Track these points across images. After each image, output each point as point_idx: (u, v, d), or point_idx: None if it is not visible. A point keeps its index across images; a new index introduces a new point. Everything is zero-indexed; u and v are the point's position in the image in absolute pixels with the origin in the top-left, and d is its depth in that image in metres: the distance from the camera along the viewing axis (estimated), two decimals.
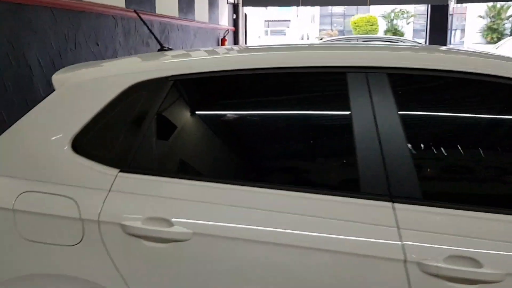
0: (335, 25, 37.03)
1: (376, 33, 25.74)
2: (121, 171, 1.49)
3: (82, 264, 1.47)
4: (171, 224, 1.42)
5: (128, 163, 1.50)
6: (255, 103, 1.60)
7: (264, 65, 1.53)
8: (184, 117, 1.62)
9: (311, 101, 1.58)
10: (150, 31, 2.13)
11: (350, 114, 1.44)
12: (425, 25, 10.66)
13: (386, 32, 27.26)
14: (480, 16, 25.24)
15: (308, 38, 30.51)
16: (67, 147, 1.53)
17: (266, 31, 31.84)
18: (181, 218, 1.42)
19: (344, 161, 1.49)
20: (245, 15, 10.72)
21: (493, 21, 25.37)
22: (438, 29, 10.31)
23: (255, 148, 1.56)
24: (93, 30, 4.12)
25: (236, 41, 9.99)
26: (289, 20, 32.56)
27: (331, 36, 25.90)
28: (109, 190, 1.47)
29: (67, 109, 1.58)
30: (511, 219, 1.33)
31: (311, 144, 1.52)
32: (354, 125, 1.42)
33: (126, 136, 1.54)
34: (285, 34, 32.18)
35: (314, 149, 1.51)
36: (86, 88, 1.59)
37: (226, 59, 1.64)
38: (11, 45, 3.02)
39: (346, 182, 1.46)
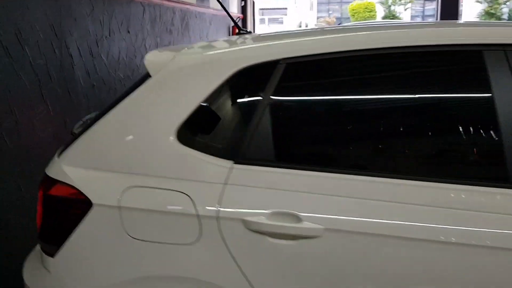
0: (330, 12, 36.75)
1: (374, 20, 25.59)
2: (236, 162, 1.38)
3: (200, 264, 1.37)
4: (299, 219, 1.31)
5: (242, 154, 1.39)
6: (379, 86, 1.49)
7: (389, 44, 1.42)
8: (300, 103, 1.50)
9: (443, 83, 1.47)
10: (229, 15, 2.01)
11: (491, 96, 1.33)
12: (436, 9, 10.54)
13: (384, 18, 27.09)
14: (478, 1, 25.13)
15: (306, 26, 30.27)
16: (172, 138, 1.41)
17: (263, 19, 31.49)
18: (311, 213, 1.32)
19: (489, 148, 1.38)
20: (253, 2, 10.53)
21: (491, 6, 25.26)
22: (449, 13, 10.23)
23: (384, 135, 1.45)
24: (125, 17, 3.97)
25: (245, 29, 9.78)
26: (286, 8, 32.24)
27: (329, 23, 25.67)
28: (225, 184, 1.36)
29: (169, 96, 1.46)
30: None
31: (450, 131, 1.42)
32: (497, 109, 1.31)
33: (237, 125, 1.43)
34: (282, 22, 31.88)
35: (454, 137, 1.40)
36: (189, 74, 1.47)
37: (344, 39, 1.52)
38: (54, 33, 2.87)
39: (493, 172, 1.36)
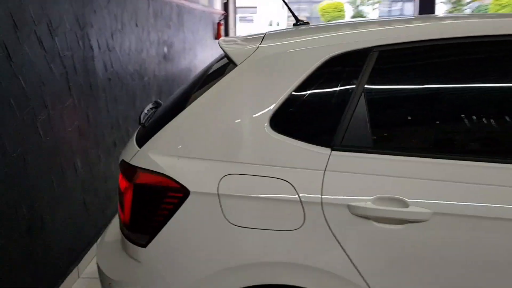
0: (299, 12, 37.07)
1: (343, 19, 26.03)
2: (333, 149, 1.38)
3: (305, 249, 1.37)
4: (406, 204, 1.33)
5: (338, 141, 1.39)
6: (474, 73, 1.52)
7: (480, 33, 1.45)
8: (394, 90, 1.52)
9: None
10: (287, 5, 2.01)
11: None
12: (414, 9, 10.85)
13: (352, 18, 27.59)
14: (442, 2, 25.96)
15: (278, 25, 30.37)
16: (266, 126, 1.41)
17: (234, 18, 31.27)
18: (417, 198, 1.34)
19: None
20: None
21: (454, 7, 26.16)
22: (426, 13, 10.58)
23: (482, 120, 1.48)
24: (134, 11, 3.90)
25: (227, 26, 9.77)
26: (255, 7, 32.27)
27: None
28: (325, 170, 1.36)
29: (260, 85, 1.46)
30: None
31: None
32: None
33: (331, 112, 1.44)
34: (252, 21, 31.90)
35: None
36: (278, 62, 1.47)
37: (439, 26, 1.54)
38: (78, 24, 2.79)
39: None
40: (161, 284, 1.44)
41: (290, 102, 1.46)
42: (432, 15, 1.93)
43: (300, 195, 1.38)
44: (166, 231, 1.43)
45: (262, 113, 1.45)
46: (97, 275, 1.66)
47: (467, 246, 1.36)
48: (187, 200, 1.41)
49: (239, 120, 1.46)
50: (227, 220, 1.40)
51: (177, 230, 1.42)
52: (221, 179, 1.41)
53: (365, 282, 1.39)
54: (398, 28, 1.56)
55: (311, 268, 1.40)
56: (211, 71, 1.78)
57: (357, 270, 1.38)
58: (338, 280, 1.40)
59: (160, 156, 1.47)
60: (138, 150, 1.53)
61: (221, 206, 1.40)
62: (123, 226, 1.52)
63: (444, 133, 1.51)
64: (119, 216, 1.62)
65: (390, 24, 1.60)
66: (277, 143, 1.43)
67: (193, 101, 1.54)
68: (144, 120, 1.74)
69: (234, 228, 1.40)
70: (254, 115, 1.45)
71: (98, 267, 1.62)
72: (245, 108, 1.47)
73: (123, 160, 1.58)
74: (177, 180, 1.42)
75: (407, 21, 1.71)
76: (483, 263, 1.36)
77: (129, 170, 1.50)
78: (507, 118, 1.48)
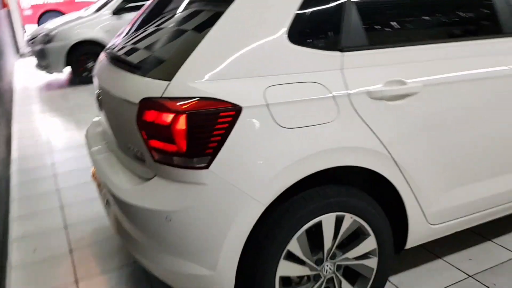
0: None
1: None
2: (343, 51, 1.68)
3: (343, 134, 1.65)
4: (405, 83, 1.72)
5: (346, 44, 1.72)
6: None
7: None
8: None
9: None
10: None
11: None
12: None
13: None
14: None
15: None
16: (287, 41, 1.62)
17: None
18: (411, 78, 1.76)
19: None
20: None
21: None
22: None
23: (435, 12, 1.96)
24: None
25: None
26: None
27: None
28: (342, 69, 1.66)
29: (271, 6, 1.64)
30: None
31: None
32: None
33: (334, 23, 1.71)
34: None
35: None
36: None
37: None
38: None
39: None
40: (233, 193, 1.57)
41: (298, 19, 1.66)
42: None
43: (332, 92, 1.64)
44: (227, 148, 1.56)
45: (281, 31, 1.65)
46: None
47: (453, 107, 1.85)
48: (241, 115, 1.55)
49: (264, 40, 1.64)
50: (279, 125, 1.58)
51: (237, 144, 1.56)
52: (265, 91, 1.57)
53: (387, 150, 1.75)
54: None
55: (350, 148, 1.69)
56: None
57: (381, 142, 1.73)
58: (370, 153, 1.73)
59: (200, 82, 1.55)
60: (169, 83, 1.56)
61: (271, 114, 1.57)
62: (174, 157, 1.58)
63: (424, 25, 1.94)
64: (152, 153, 1.63)
65: None
66: (298, 53, 1.65)
67: (204, 27, 1.68)
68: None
69: (287, 130, 1.59)
70: (275, 34, 1.65)
71: (141, 208, 1.64)
72: (265, 28, 1.65)
73: (149, 98, 1.58)
74: (228, 100, 1.53)
75: None
76: (466, 117, 1.89)
77: (168, 104, 1.53)
78: (464, 9, 2.01)
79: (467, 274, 2.18)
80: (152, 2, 2.35)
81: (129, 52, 1.99)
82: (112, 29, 6.93)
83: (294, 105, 1.63)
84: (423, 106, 1.81)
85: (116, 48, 2.15)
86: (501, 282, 2.12)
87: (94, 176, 2.21)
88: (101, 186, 2.08)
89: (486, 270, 2.21)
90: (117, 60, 1.98)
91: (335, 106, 1.68)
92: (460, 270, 2.22)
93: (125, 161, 1.92)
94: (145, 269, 2.32)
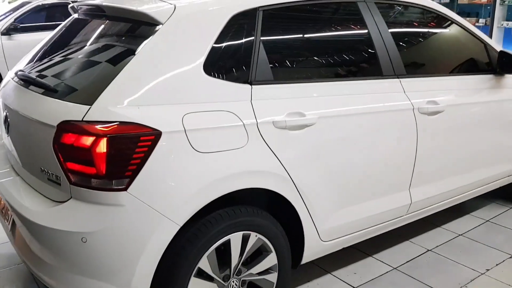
0: None
1: None
2: (252, 84, 1.92)
3: (252, 159, 1.86)
4: (304, 114, 2.00)
5: (254, 78, 1.95)
6: (326, 26, 2.39)
7: None
8: (284, 39, 2.19)
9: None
10: None
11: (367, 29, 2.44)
12: None
13: None
14: None
15: None
16: (203, 72, 1.82)
17: None
18: (309, 110, 2.04)
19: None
20: None
21: None
22: None
23: (336, 55, 2.38)
24: None
25: None
26: None
27: None
28: (251, 100, 1.90)
29: (188, 40, 1.87)
30: None
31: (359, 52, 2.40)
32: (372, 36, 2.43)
33: (244, 58, 1.96)
34: None
35: (362, 55, 2.39)
36: (197, 20, 1.87)
37: None
38: None
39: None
40: (149, 214, 1.66)
41: (213, 53, 1.86)
42: None
43: (243, 120, 1.84)
44: (145, 170, 1.66)
45: (197, 63, 1.82)
46: None
47: (342, 136, 2.18)
48: (160, 140, 1.67)
49: (182, 70, 1.81)
50: (195, 149, 1.74)
51: (155, 167, 1.68)
52: (183, 118, 1.72)
53: (288, 174, 1.98)
54: None
55: (257, 172, 1.89)
56: (115, 28, 1.97)
57: (283, 166, 1.96)
58: (274, 176, 1.95)
59: (121, 107, 1.65)
60: (90, 107, 1.64)
61: (188, 139, 1.73)
62: (93, 179, 1.63)
63: (321, 65, 2.30)
64: (69, 175, 1.67)
65: None
66: (213, 84, 1.84)
67: (126, 54, 1.83)
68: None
69: (202, 155, 1.75)
70: (192, 65, 1.83)
71: (56, 230, 1.67)
72: (184, 59, 1.83)
73: (68, 121, 1.64)
74: (149, 125, 1.65)
75: None
76: (352, 145, 2.23)
77: (88, 127, 1.61)
78: (356, 53, 2.44)
79: (352, 286, 2.48)
80: (65, 25, 2.37)
81: (44, 75, 2.01)
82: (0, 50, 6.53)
83: (209, 131, 1.79)
84: (318, 136, 2.09)
85: (28, 70, 2.14)
86: None
87: None
88: (5, 210, 2.03)
89: (368, 282, 2.53)
90: (30, 83, 1.98)
91: (245, 134, 1.88)
92: (347, 283, 2.51)
93: (36, 184, 1.90)
94: None
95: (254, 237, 1.97)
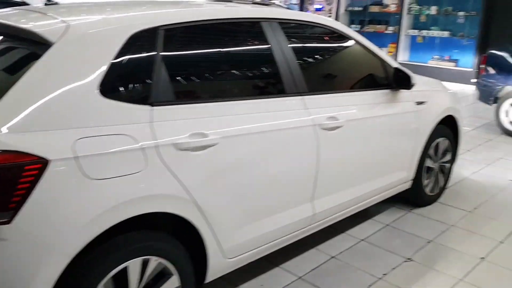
0: None
1: None
2: (153, 105, 1.90)
3: (152, 183, 1.84)
4: (206, 135, 2.01)
5: (155, 99, 1.93)
6: (230, 46, 2.42)
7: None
8: (183, 57, 2.16)
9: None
10: None
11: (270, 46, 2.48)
12: None
13: None
14: None
15: None
16: (98, 95, 1.77)
17: None
18: (211, 130, 2.05)
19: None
20: None
21: None
22: None
23: (240, 74, 2.42)
24: None
25: None
26: None
27: None
28: (150, 122, 1.88)
29: (83, 60, 1.81)
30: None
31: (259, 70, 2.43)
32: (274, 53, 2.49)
33: (144, 78, 1.93)
34: None
35: (260, 73, 2.42)
36: (93, 39, 1.83)
37: (204, 11, 2.30)
38: None
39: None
40: (37, 246, 1.57)
41: (110, 73, 1.81)
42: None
43: (140, 143, 1.81)
44: (32, 201, 1.57)
45: (92, 85, 1.76)
46: None
47: (244, 155, 2.20)
48: (48, 168, 1.58)
49: (75, 92, 1.74)
50: (88, 176, 1.67)
51: (43, 197, 1.59)
52: (74, 143, 1.65)
53: (191, 196, 1.98)
54: (177, 11, 2.11)
55: (157, 196, 1.86)
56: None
57: (185, 188, 1.95)
58: (175, 199, 1.93)
59: (3, 135, 1.54)
60: None
61: (80, 166, 1.66)
62: None
63: (223, 85, 2.32)
64: None
65: (169, 7, 2.13)
66: (109, 107, 1.78)
67: (11, 74, 1.67)
68: None
69: (96, 182, 1.69)
70: (86, 87, 1.77)
71: None
72: (77, 81, 1.75)
73: None
74: (34, 153, 1.56)
75: (183, 4, 2.30)
76: (254, 164, 2.26)
77: None
78: (259, 72, 2.48)
79: None
80: None
81: None
82: None
83: (103, 157, 1.73)
84: (221, 155, 2.10)
85: None
86: None
87: None
88: None
89: None
90: None
91: (143, 157, 1.84)
92: None
93: None
94: None
95: (154, 261, 1.94)
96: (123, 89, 1.88)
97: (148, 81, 1.94)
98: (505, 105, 5.96)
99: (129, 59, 1.91)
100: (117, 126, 1.80)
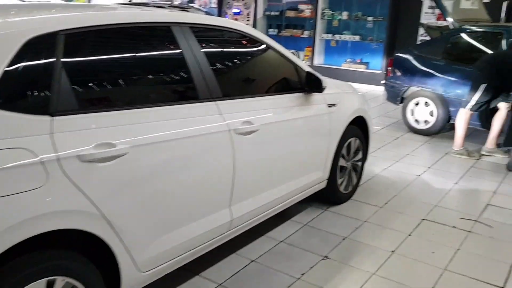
0: None
1: None
2: (53, 115, 1.79)
3: (54, 198, 1.73)
4: (114, 145, 1.93)
5: (56, 108, 1.82)
6: (139, 51, 2.33)
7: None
8: (87, 63, 2.05)
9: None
10: None
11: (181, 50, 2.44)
12: None
13: None
14: None
15: None
16: None
17: None
18: (119, 139, 1.97)
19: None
20: None
21: None
22: None
23: (150, 81, 2.36)
24: None
25: None
26: None
27: None
28: (51, 133, 1.77)
29: None
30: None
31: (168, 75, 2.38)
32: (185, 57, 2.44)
33: (42, 86, 1.81)
34: None
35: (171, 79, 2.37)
36: None
37: (107, 15, 2.15)
38: None
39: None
40: None
41: (4, 82, 1.67)
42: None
43: (39, 156, 1.68)
44: None
45: None
46: None
47: (155, 164, 2.12)
48: None
49: None
50: None
51: None
52: None
53: (99, 210, 1.87)
54: (80, 14, 1.99)
55: (59, 212, 1.74)
56: None
57: (92, 202, 1.85)
58: (81, 214, 1.82)
59: None
60: None
61: None
62: None
63: (132, 91, 2.23)
64: None
65: (72, 11, 1.99)
66: (5, 118, 1.64)
67: None
68: None
69: None
70: None
71: None
72: None
73: None
74: None
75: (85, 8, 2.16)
76: (166, 173, 2.19)
77: None
78: (170, 78, 2.45)
79: None
80: None
81: None
82: None
83: None
84: (131, 166, 2.02)
85: None
86: None
87: None
88: None
89: None
90: None
91: (43, 172, 1.71)
92: None
93: None
94: None
95: (61, 281, 1.82)
96: (19, 98, 1.75)
97: (47, 89, 1.81)
98: (410, 105, 6.38)
99: (26, 66, 1.78)
100: (13, 139, 1.67)
